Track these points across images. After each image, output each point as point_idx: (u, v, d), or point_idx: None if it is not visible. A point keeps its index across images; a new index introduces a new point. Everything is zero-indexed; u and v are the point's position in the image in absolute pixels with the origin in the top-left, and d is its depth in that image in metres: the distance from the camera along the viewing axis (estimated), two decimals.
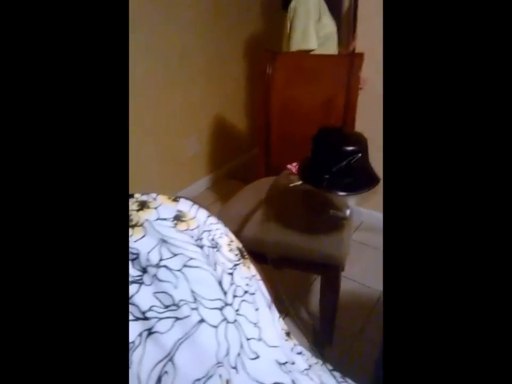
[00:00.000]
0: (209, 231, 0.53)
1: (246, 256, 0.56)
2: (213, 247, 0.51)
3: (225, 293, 0.46)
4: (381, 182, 1.17)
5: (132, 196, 0.53)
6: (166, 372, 0.38)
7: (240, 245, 0.57)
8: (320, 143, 1.22)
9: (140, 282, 0.42)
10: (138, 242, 0.45)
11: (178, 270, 0.44)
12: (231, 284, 0.48)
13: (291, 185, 1.36)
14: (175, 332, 0.40)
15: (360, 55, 1.58)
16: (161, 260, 0.44)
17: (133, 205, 0.51)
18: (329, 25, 1.94)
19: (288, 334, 0.53)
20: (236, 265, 0.51)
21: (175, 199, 0.54)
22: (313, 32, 1.86)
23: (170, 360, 0.38)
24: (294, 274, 1.55)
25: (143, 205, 0.51)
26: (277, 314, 0.53)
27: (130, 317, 0.40)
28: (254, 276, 0.53)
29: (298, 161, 1.32)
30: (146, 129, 2.17)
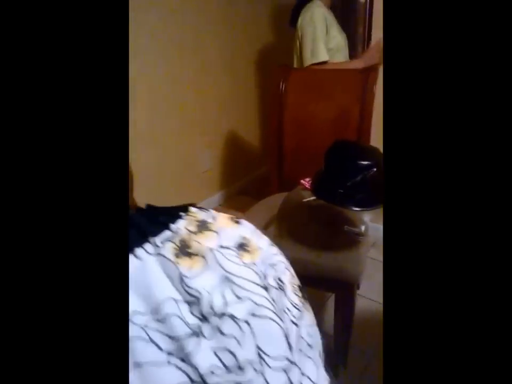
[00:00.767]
0: (273, 265, 0.44)
1: (306, 296, 0.47)
2: (279, 289, 0.42)
3: (291, 348, 0.39)
4: None
5: (187, 209, 0.44)
6: None
7: (299, 282, 0.48)
8: (335, 156, 1.19)
9: (198, 334, 0.35)
10: (198, 279, 0.37)
11: (245, 321, 0.37)
12: (297, 337, 0.41)
13: (304, 200, 1.33)
14: None
15: (375, 69, 1.57)
16: (225, 305, 0.36)
17: (190, 225, 0.41)
18: (337, 37, 1.93)
19: None
20: (301, 311, 0.43)
21: (236, 221, 0.45)
22: (322, 45, 1.85)
23: None
24: (307, 292, 1.51)
25: (202, 226, 0.42)
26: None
27: (184, 379, 0.33)
28: (314, 323, 0.46)
29: (312, 176, 1.30)
30: (160, 144, 2.17)
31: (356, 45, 2.40)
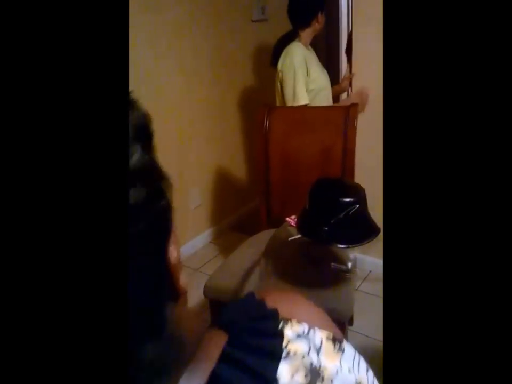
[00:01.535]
0: None
1: None
2: None
3: None
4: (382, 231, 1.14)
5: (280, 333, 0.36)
6: None
7: None
8: (318, 194, 1.20)
9: None
10: None
11: None
12: None
13: (290, 238, 1.33)
14: None
15: (355, 106, 1.60)
16: None
17: (297, 373, 0.34)
18: (318, 78, 1.96)
19: None
20: None
21: (339, 347, 0.38)
22: (303, 88, 1.88)
23: None
24: None
25: (313, 375, 0.34)
26: None
27: None
28: None
29: (297, 214, 1.30)
30: None
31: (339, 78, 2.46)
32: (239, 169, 2.84)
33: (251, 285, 1.30)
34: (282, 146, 1.71)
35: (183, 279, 0.34)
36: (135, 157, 0.27)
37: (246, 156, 2.87)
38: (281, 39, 2.03)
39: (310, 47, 2.03)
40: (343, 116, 1.61)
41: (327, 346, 0.37)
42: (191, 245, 2.47)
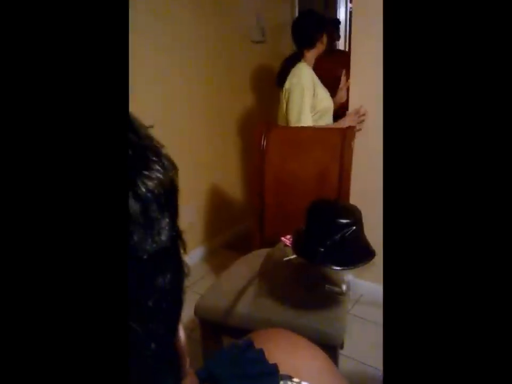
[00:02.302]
0: None
1: None
2: None
3: None
4: (379, 254, 1.14)
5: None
6: None
7: None
8: (314, 216, 1.20)
9: None
10: None
11: None
12: None
13: (285, 259, 1.32)
14: None
15: (352, 128, 1.61)
16: None
17: None
18: (324, 99, 1.99)
19: None
20: None
21: None
22: (308, 111, 1.91)
23: None
24: None
25: None
26: None
27: None
28: None
29: (292, 233, 1.29)
30: None
31: None
32: (233, 187, 2.83)
33: (243, 306, 1.27)
34: (278, 166, 1.71)
35: (188, 361, 0.32)
36: (164, 235, 0.24)
37: (241, 174, 2.88)
38: (287, 60, 2.06)
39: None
40: (339, 138, 1.62)
41: None
42: None
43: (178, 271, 0.26)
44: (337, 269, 1.14)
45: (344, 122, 1.86)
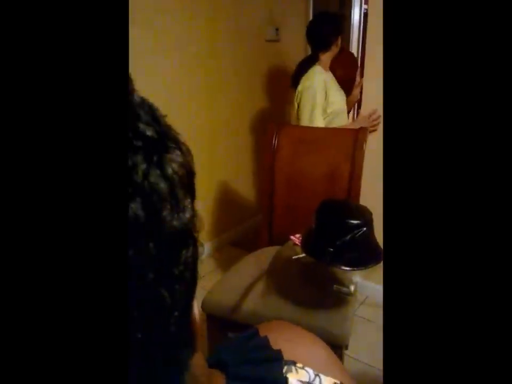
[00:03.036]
0: None
1: None
2: None
3: None
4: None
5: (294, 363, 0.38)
6: None
7: None
8: (325, 215, 1.20)
9: None
10: None
11: None
12: None
13: (294, 257, 1.32)
14: None
15: (364, 129, 1.61)
16: None
17: None
18: (336, 102, 1.99)
19: None
20: None
21: None
22: (319, 113, 1.92)
23: None
24: None
25: None
26: None
27: None
28: None
29: (302, 232, 1.30)
30: None
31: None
32: (242, 184, 2.84)
33: (250, 303, 1.28)
34: (289, 165, 1.71)
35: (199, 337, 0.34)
36: (188, 213, 0.26)
37: (251, 171, 2.88)
38: (302, 62, 2.07)
39: (329, 71, 2.06)
40: (352, 138, 1.62)
41: None
42: None
43: (196, 246, 0.28)
44: (346, 269, 1.15)
45: (356, 124, 1.86)
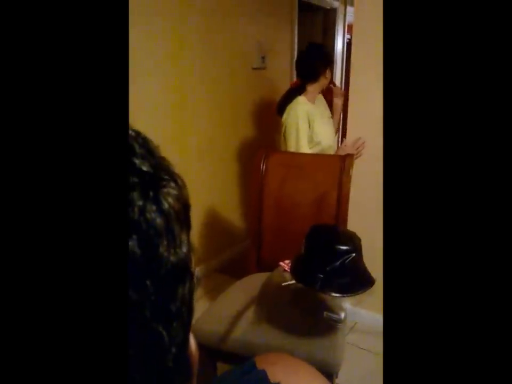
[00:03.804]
0: None
1: None
2: None
3: None
4: (377, 283, 1.13)
5: None
6: None
7: None
8: (313, 241, 1.20)
9: None
10: None
11: None
12: None
13: (284, 284, 1.31)
14: None
15: (351, 156, 1.63)
16: None
17: None
18: (322, 133, 2.01)
19: None
20: None
21: None
22: (305, 142, 1.95)
23: None
24: None
25: None
26: None
27: None
28: None
29: (291, 258, 1.29)
30: None
31: None
32: (230, 210, 2.83)
33: (239, 331, 1.26)
34: (277, 190, 1.72)
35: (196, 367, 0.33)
36: (184, 248, 0.25)
37: (238, 197, 2.88)
38: (288, 92, 2.09)
39: (316, 101, 2.08)
40: (338, 164, 1.63)
41: None
42: None
43: (192, 280, 0.28)
44: (336, 296, 1.14)
45: (341, 151, 1.89)
